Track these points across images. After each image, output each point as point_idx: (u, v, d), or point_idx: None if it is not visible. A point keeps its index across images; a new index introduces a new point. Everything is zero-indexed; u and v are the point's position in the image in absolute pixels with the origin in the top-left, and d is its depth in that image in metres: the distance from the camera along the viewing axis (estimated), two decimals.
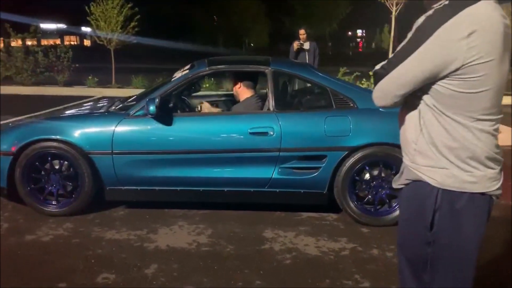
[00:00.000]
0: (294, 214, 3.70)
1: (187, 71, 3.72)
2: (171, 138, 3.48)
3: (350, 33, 72.85)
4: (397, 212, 3.46)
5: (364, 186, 3.51)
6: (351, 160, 3.41)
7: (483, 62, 1.33)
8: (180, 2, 36.69)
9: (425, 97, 1.44)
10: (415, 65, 1.38)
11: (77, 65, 12.78)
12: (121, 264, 2.86)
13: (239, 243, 3.19)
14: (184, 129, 3.49)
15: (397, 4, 9.71)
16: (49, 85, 12.47)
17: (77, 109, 4.32)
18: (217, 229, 3.41)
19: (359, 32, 79.12)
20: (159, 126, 3.45)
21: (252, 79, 3.97)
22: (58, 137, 3.47)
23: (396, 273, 2.74)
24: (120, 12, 12.24)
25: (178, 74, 3.79)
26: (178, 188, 3.57)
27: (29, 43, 14.69)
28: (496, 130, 1.45)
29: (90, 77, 12.72)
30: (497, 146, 1.47)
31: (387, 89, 1.46)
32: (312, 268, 2.86)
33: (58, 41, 35.60)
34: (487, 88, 1.36)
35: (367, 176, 3.48)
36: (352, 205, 3.47)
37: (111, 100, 4.61)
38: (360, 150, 3.39)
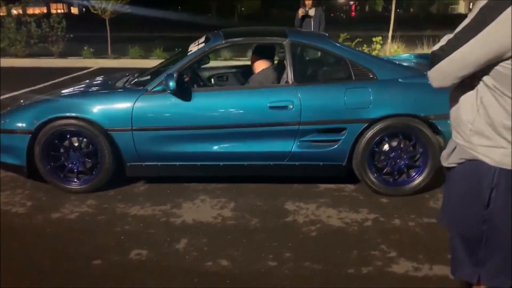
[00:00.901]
0: (313, 186, 3.75)
1: (203, 44, 3.67)
2: (190, 114, 3.46)
3: None
4: (415, 182, 3.53)
5: (383, 157, 3.55)
6: (371, 132, 3.43)
7: None
8: None
9: (485, 78, 1.43)
10: (480, 46, 1.36)
11: (71, 35, 12.50)
12: (151, 240, 2.91)
13: (263, 216, 3.25)
14: (203, 104, 3.48)
15: None
16: (44, 57, 12.25)
17: (74, 88, 4.22)
18: (239, 203, 3.46)
19: None
20: (178, 101, 3.43)
21: (269, 50, 3.94)
22: (77, 114, 3.45)
23: (422, 243, 2.84)
24: None
25: (193, 48, 3.73)
26: (199, 163, 3.59)
27: (14, 11, 14.26)
28: None
29: (85, 48, 12.47)
30: None
31: (447, 71, 1.45)
32: (338, 239, 2.93)
33: (44, 10, 34.55)
34: None
35: (386, 147, 3.52)
36: (371, 176, 3.52)
37: (109, 76, 4.52)
38: (379, 122, 3.41)
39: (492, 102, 1.43)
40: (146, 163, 3.59)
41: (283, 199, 3.52)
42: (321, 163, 3.57)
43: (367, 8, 62.86)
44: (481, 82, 1.45)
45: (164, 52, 12.79)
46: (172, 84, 3.26)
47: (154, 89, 3.48)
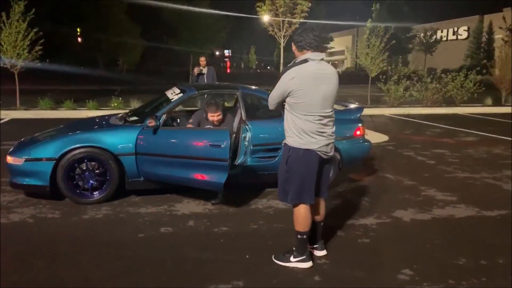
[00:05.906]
0: (258, 190, 5.42)
1: (181, 94, 5.23)
2: (174, 145, 4.89)
3: (217, 53, 76.12)
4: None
5: None
6: None
7: (299, 90, 3.17)
8: (60, 21, 35.88)
9: (286, 105, 3.29)
10: (277, 90, 3.23)
11: None
12: (168, 223, 4.28)
13: (235, 206, 4.82)
14: (186, 137, 4.96)
15: (284, 37, 12.13)
16: None
17: (73, 126, 5.44)
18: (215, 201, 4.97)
19: (226, 52, 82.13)
20: (164, 135, 4.86)
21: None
22: (94, 144, 4.70)
23: (340, 205, 4.66)
24: (25, 36, 12.57)
25: (174, 96, 5.25)
26: None
27: None
28: (317, 120, 3.24)
29: None
30: (318, 127, 3.26)
31: (271, 101, 3.32)
32: (288, 214, 4.56)
33: None
34: (304, 101, 3.19)
35: None
36: None
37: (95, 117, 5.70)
38: None
39: (290, 117, 3.28)
40: (142, 179, 4.92)
41: (243, 198, 5.12)
42: (266, 173, 5.29)
43: (242, 65, 68.27)
44: (285, 108, 3.30)
45: (75, 103, 13.61)
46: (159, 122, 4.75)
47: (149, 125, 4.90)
